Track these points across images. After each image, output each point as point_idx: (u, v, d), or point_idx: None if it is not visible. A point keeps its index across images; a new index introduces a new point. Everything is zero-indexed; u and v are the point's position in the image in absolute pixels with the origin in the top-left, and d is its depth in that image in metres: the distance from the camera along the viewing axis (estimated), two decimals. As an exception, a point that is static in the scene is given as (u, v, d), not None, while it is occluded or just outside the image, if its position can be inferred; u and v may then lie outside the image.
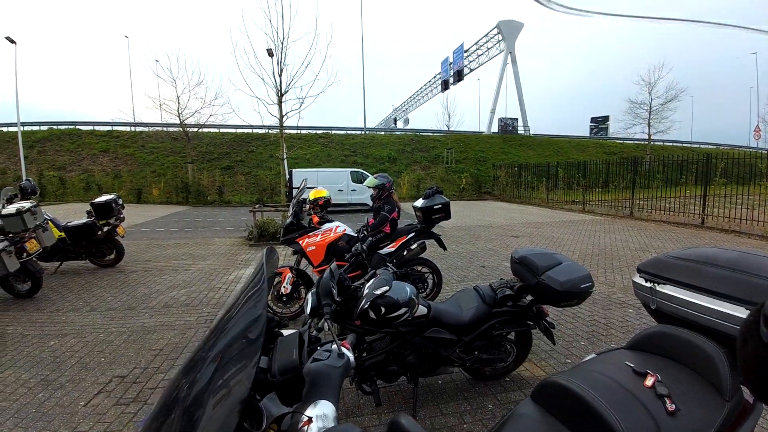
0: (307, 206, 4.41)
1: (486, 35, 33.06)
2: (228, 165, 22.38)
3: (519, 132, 32.92)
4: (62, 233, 5.74)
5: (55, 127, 25.92)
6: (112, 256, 6.18)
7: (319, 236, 4.06)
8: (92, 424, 2.37)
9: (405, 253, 4.16)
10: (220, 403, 0.63)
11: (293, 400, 0.79)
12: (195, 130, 21.60)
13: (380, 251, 4.06)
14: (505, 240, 8.36)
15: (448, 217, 4.16)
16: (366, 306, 2.04)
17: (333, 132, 27.43)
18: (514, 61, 33.03)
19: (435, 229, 4.38)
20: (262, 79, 10.61)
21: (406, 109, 49.34)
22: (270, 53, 10.85)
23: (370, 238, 3.94)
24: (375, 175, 4.36)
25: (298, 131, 24.94)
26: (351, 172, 16.37)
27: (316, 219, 4.28)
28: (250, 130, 25.17)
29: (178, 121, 20.07)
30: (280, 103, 10.80)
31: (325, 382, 0.81)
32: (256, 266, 0.91)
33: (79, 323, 3.94)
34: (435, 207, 4.08)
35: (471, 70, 34.13)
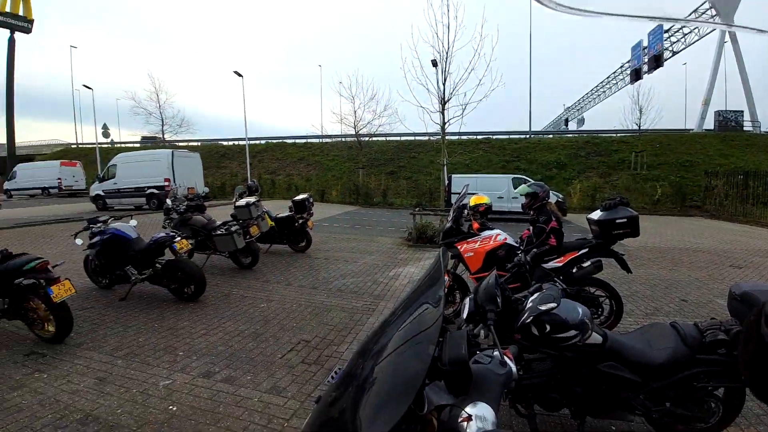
0: (468, 212, 4.40)
1: (695, 10, 26.06)
2: (392, 170, 24.43)
3: (746, 129, 24.85)
4: (273, 222, 7.37)
5: (270, 140, 33.51)
6: (303, 244, 7.58)
7: (478, 243, 4.00)
8: (284, 374, 2.96)
9: (574, 270, 3.69)
10: (397, 382, 0.69)
11: (461, 391, 0.81)
12: (366, 139, 24.44)
13: (544, 265, 3.72)
14: (719, 270, 6.44)
15: (635, 234, 3.49)
16: (528, 320, 1.90)
17: (494, 137, 26.62)
18: (734, 40, 25.07)
19: (615, 247, 3.73)
20: (427, 89, 11.13)
21: (581, 107, 43.60)
22: (434, 64, 11.30)
23: (534, 250, 3.65)
24: (528, 184, 4.03)
25: (459, 137, 25.20)
26: (512, 179, 15.52)
27: (476, 225, 4.24)
28: (413, 138, 26.87)
29: (354, 132, 23.13)
30: (443, 110, 11.13)
31: (486, 386, 0.80)
32: (434, 262, 0.98)
33: (280, 293, 4.97)
34: (617, 221, 3.49)
35: (673, 54, 27.52)
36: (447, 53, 11.02)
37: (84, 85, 27.08)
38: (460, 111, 11.41)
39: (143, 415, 2.46)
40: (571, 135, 27.13)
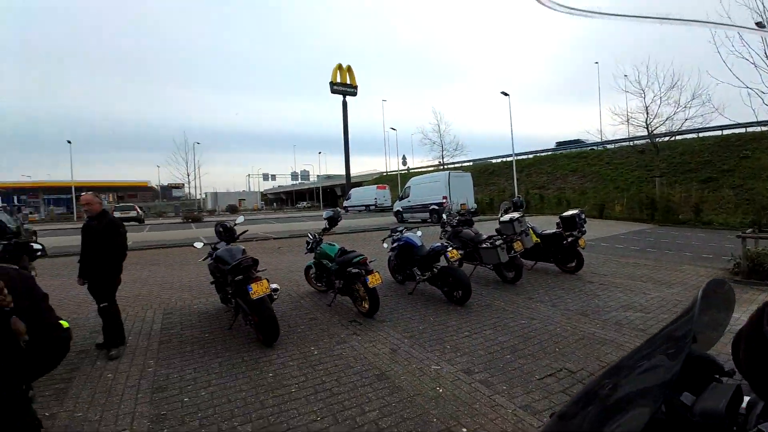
0: None
1: None
2: (709, 176, 18.23)
3: None
4: (538, 239, 7.14)
5: (539, 154, 32.51)
6: (573, 264, 6.90)
7: None
8: (540, 396, 2.82)
9: None
10: (631, 412, 0.62)
11: None
12: (666, 139, 19.36)
13: None
14: None
15: None
16: None
17: None
18: None
19: None
20: (753, 64, 7.73)
21: None
22: (761, 25, 7.71)
23: None
24: None
25: None
26: None
27: None
28: (742, 130, 19.06)
29: (645, 133, 18.87)
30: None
31: None
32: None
33: (543, 313, 4.75)
34: None
35: None
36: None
37: (391, 128, 36.11)
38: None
39: (417, 387, 3.00)
40: None
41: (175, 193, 63.24)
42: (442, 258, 5.53)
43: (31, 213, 42.10)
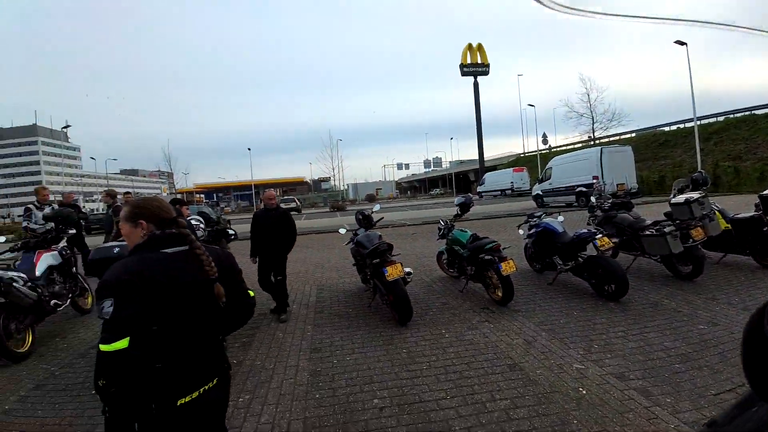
0: None
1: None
2: None
3: None
4: (728, 225, 5.59)
5: (730, 116, 25.02)
6: (784, 258, 5.20)
7: None
8: (710, 412, 2.26)
9: None
10: None
11: None
12: None
13: None
14: None
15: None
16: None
17: None
18: None
19: None
20: None
21: None
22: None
23: None
24: None
25: None
26: None
27: None
28: None
29: None
30: None
31: None
32: None
33: (731, 318, 3.75)
34: None
35: None
36: None
37: (529, 104, 33.03)
38: None
39: (555, 384, 2.77)
40: None
41: (324, 185, 72.21)
42: (590, 247, 4.88)
43: (225, 206, 54.22)
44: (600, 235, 4.79)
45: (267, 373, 3.31)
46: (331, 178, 47.31)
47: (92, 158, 64.43)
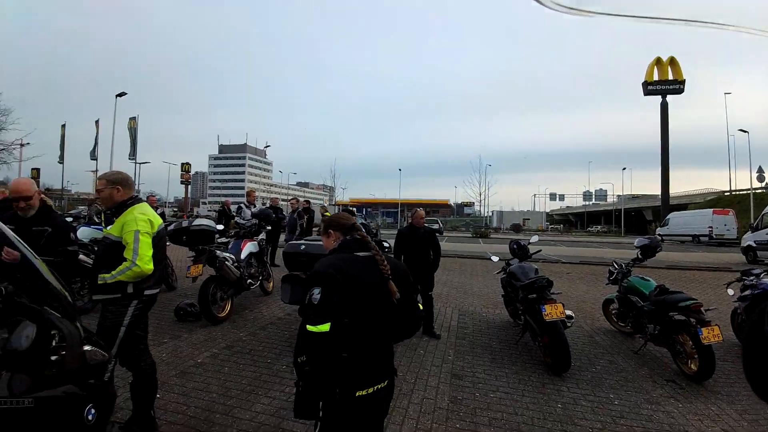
0: None
1: None
2: None
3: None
4: None
5: None
6: None
7: None
8: None
9: None
10: None
11: None
12: None
13: None
14: None
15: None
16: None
17: None
18: None
19: None
20: None
21: None
22: None
23: None
24: None
25: None
26: None
27: None
28: None
29: None
30: None
31: None
32: None
33: None
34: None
35: None
36: None
37: (740, 130, 25.54)
38: None
39: None
40: None
41: (467, 210, 71.44)
42: None
43: (371, 221, 59.22)
44: None
45: (408, 386, 3.35)
46: (476, 203, 46.51)
47: (280, 171, 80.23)
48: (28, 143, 24.43)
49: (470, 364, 3.92)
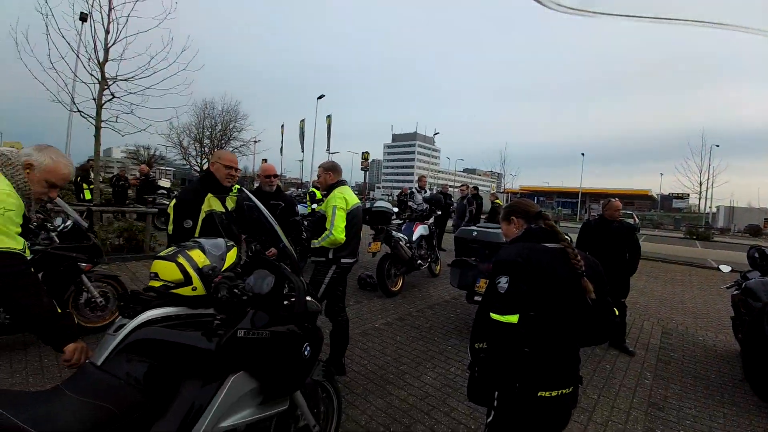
0: None
1: None
2: None
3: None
4: None
5: None
6: None
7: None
8: None
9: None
10: None
11: None
12: None
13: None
14: None
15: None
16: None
17: None
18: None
19: None
20: None
21: None
22: None
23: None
24: None
25: None
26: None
27: None
28: None
29: None
30: None
31: None
32: None
33: None
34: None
35: None
36: None
37: None
38: None
39: None
40: None
41: (676, 203, 56.53)
42: None
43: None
44: None
45: (588, 401, 2.94)
46: (692, 195, 35.91)
47: (447, 158, 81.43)
48: (259, 140, 32.17)
49: (676, 394, 3.14)
